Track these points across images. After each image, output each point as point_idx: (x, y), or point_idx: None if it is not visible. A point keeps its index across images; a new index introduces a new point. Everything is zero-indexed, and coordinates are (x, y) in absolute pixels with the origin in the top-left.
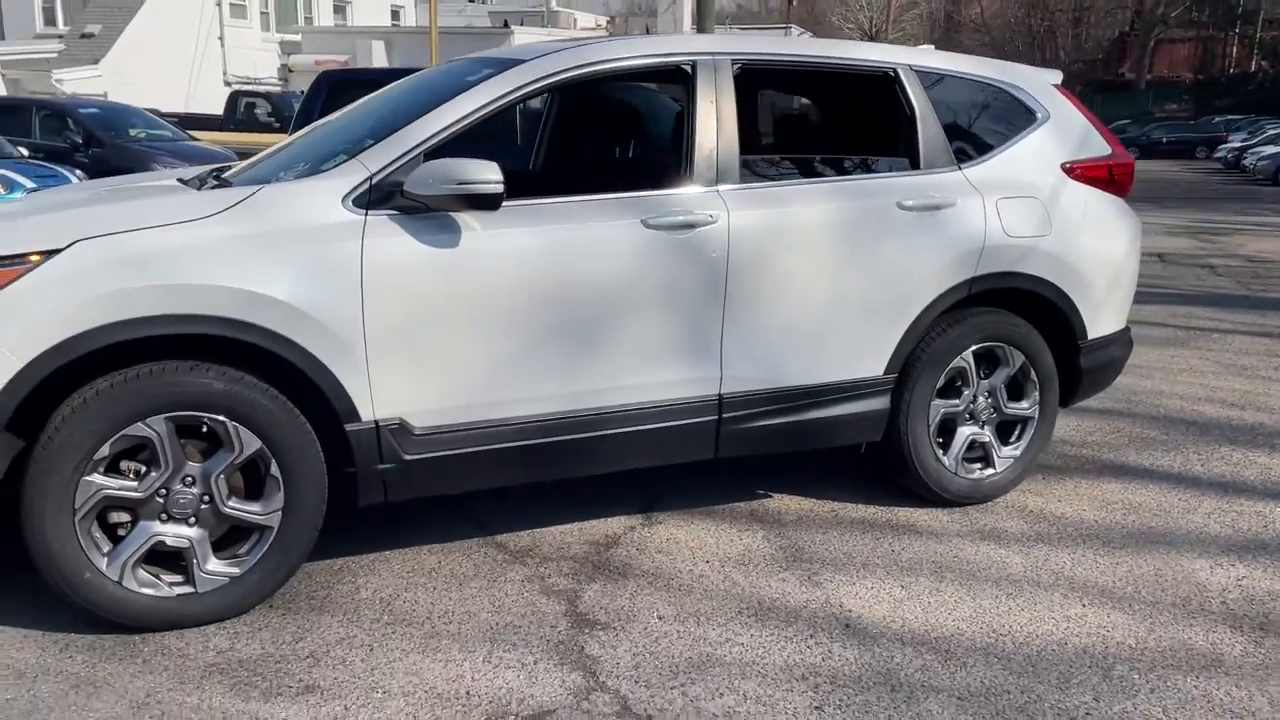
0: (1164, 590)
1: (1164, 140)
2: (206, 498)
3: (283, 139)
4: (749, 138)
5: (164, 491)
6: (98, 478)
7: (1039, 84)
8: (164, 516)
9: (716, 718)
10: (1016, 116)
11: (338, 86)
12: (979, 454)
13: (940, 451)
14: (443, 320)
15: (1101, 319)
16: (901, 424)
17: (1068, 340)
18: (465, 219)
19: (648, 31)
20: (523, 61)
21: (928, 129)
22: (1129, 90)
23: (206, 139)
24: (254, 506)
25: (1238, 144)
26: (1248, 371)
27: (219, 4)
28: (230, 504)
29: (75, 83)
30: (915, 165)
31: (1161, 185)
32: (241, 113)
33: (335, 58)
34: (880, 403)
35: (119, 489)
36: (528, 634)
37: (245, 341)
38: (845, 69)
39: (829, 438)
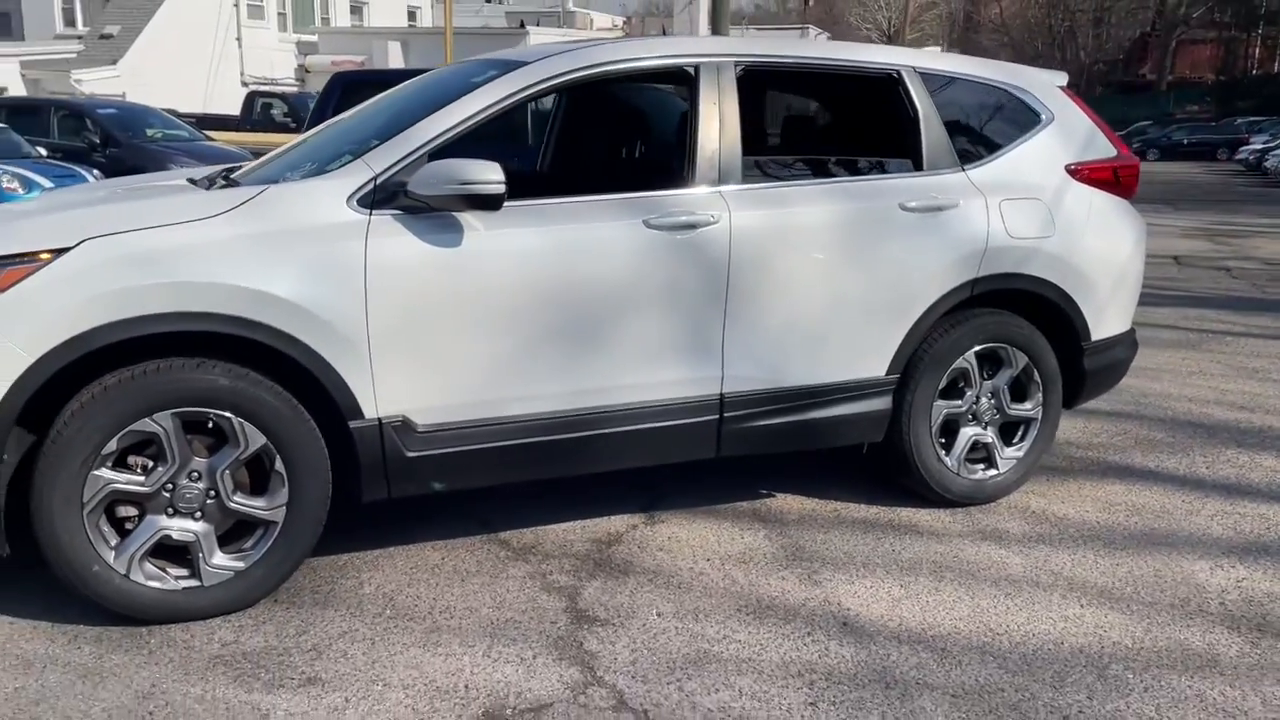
0: (1163, 591)
1: (1185, 142)
2: (212, 493)
3: (297, 139)
4: (752, 139)
5: (170, 486)
6: (106, 472)
7: (1044, 85)
8: (170, 511)
9: (712, 713)
10: (1021, 118)
11: (351, 87)
12: (982, 455)
13: (942, 452)
14: (446, 319)
15: (1105, 320)
16: (904, 424)
17: (1071, 342)
18: (468, 219)
19: (664, 32)
20: (527, 63)
21: (931, 130)
22: (1150, 91)
23: (223, 139)
24: (259, 502)
25: (1259, 146)
26: (1259, 374)
27: (236, 5)
28: (235, 499)
29: (94, 83)
30: (918, 166)
31: (1181, 187)
32: (258, 113)
33: (352, 58)
34: (882, 403)
35: (126, 483)
36: (528, 629)
37: (250, 339)
38: (849, 71)
39: (830, 438)
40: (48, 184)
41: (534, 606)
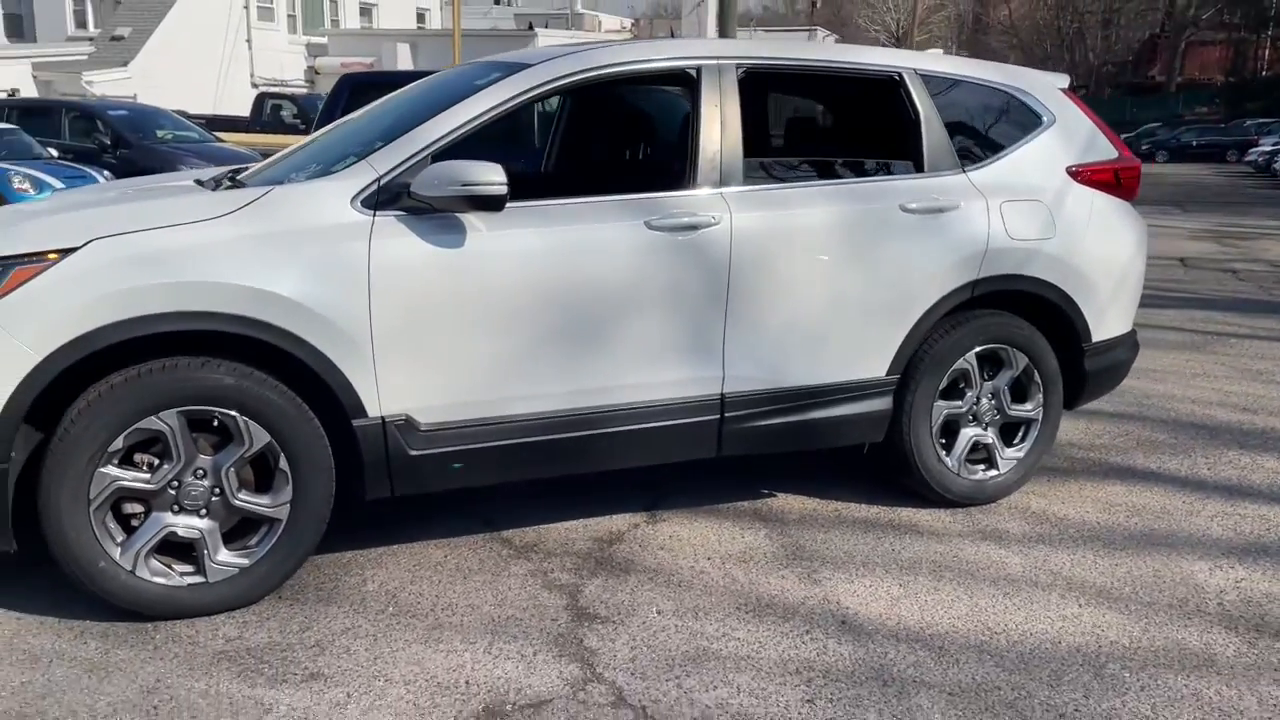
0: (1161, 591)
1: (1194, 143)
2: (217, 490)
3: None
4: (754, 141)
5: (176, 484)
6: (112, 469)
7: (1045, 87)
8: (176, 508)
9: (709, 709)
10: (1022, 120)
11: (359, 88)
12: (982, 455)
13: (943, 452)
14: (448, 319)
15: (1107, 322)
16: (904, 425)
17: (1072, 343)
18: (471, 220)
19: (672, 34)
20: (530, 66)
21: (932, 132)
22: (1159, 93)
23: (233, 140)
24: (263, 499)
25: (1269, 148)
26: (1263, 376)
27: (246, 7)
28: (240, 496)
29: (105, 84)
30: (919, 168)
31: (1189, 189)
32: (267, 114)
33: (361, 60)
34: (882, 403)
35: (132, 481)
36: (528, 626)
37: (255, 338)
38: (850, 73)
39: (831, 438)
40: (58, 185)
41: (535, 604)
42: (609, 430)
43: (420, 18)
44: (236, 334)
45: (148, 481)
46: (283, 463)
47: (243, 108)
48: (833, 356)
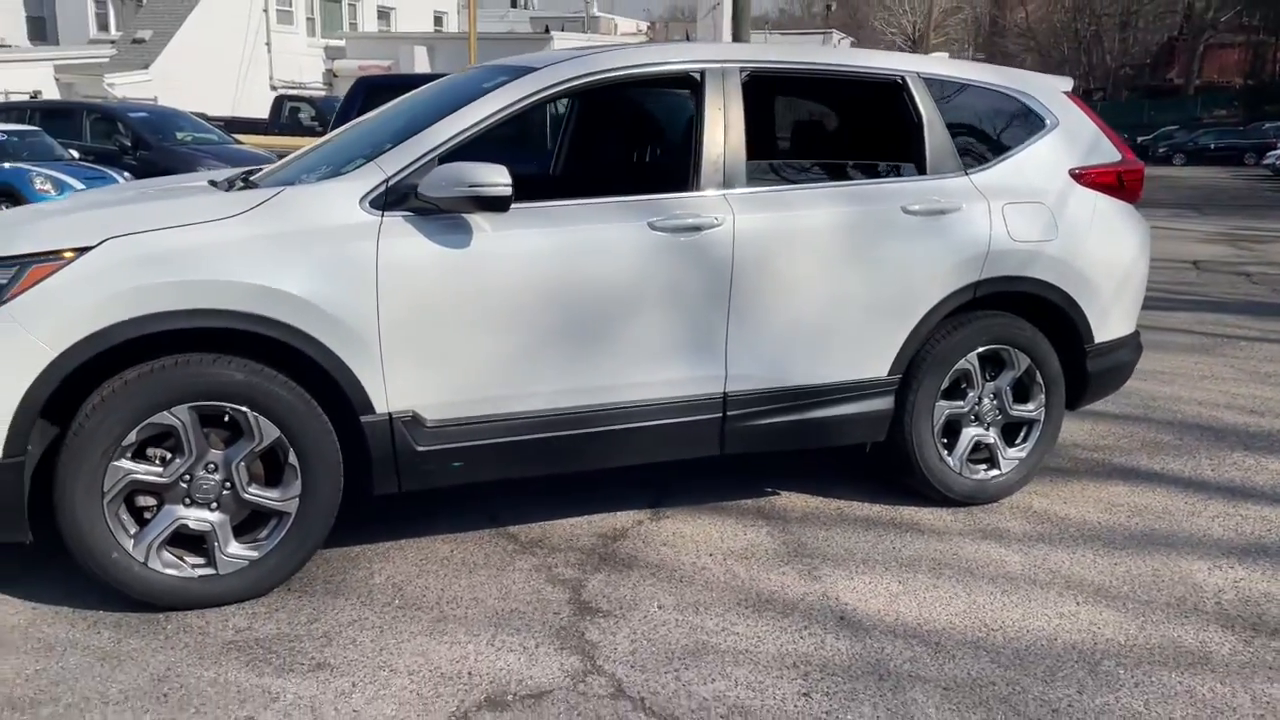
0: (1159, 590)
1: (1212, 146)
2: (228, 484)
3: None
4: (757, 143)
5: (188, 477)
6: (125, 463)
7: (1048, 91)
8: (187, 501)
9: (707, 701)
10: (1025, 123)
11: (374, 90)
12: (984, 455)
13: (945, 452)
14: (454, 317)
15: (1109, 323)
16: (906, 424)
17: (1074, 344)
18: (477, 220)
19: (687, 37)
20: (536, 69)
21: (935, 135)
22: (1177, 95)
23: (251, 142)
24: (273, 493)
25: None
26: (1271, 379)
27: (266, 10)
28: (250, 490)
29: (126, 87)
30: (922, 171)
31: (1207, 192)
32: (286, 116)
33: (379, 63)
34: (884, 403)
35: (145, 474)
36: (531, 620)
37: (265, 336)
38: (853, 77)
39: (833, 437)
40: (79, 186)
41: (539, 598)
42: (613, 428)
43: (438, 21)
44: (247, 331)
45: (160, 475)
46: (292, 458)
47: (261, 110)
48: (835, 356)
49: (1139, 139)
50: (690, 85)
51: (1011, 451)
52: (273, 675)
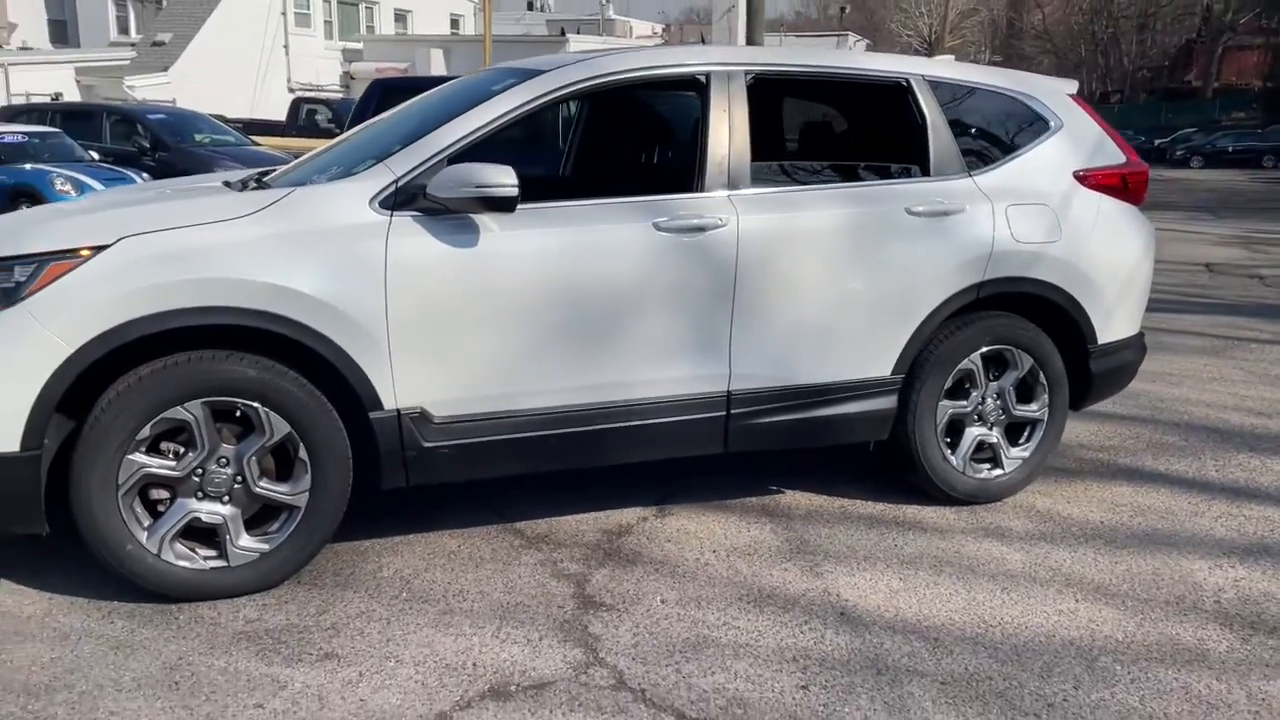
0: (1159, 588)
1: (1230, 149)
2: (239, 478)
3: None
4: (762, 145)
5: (200, 471)
6: (139, 457)
7: (1053, 93)
8: (200, 494)
9: (706, 693)
10: (1029, 125)
11: (389, 92)
12: (988, 454)
13: (948, 451)
14: (462, 315)
15: (1113, 324)
16: (909, 423)
17: (1078, 344)
18: (484, 220)
19: (702, 39)
20: (543, 72)
21: (939, 137)
22: (1195, 98)
23: (268, 144)
24: (283, 487)
25: None
26: None
27: (284, 14)
28: (261, 484)
29: (145, 89)
30: (926, 172)
31: (1223, 195)
32: (303, 118)
33: (395, 65)
34: (887, 402)
35: (159, 468)
36: (535, 613)
37: (276, 333)
38: (858, 80)
39: (836, 435)
40: (98, 186)
41: (543, 592)
42: (617, 425)
43: (454, 24)
44: (259, 328)
45: (173, 469)
46: (302, 452)
47: (279, 112)
48: (838, 356)
49: (1156, 142)
50: (696, 87)
51: (1015, 451)
52: (281, 664)
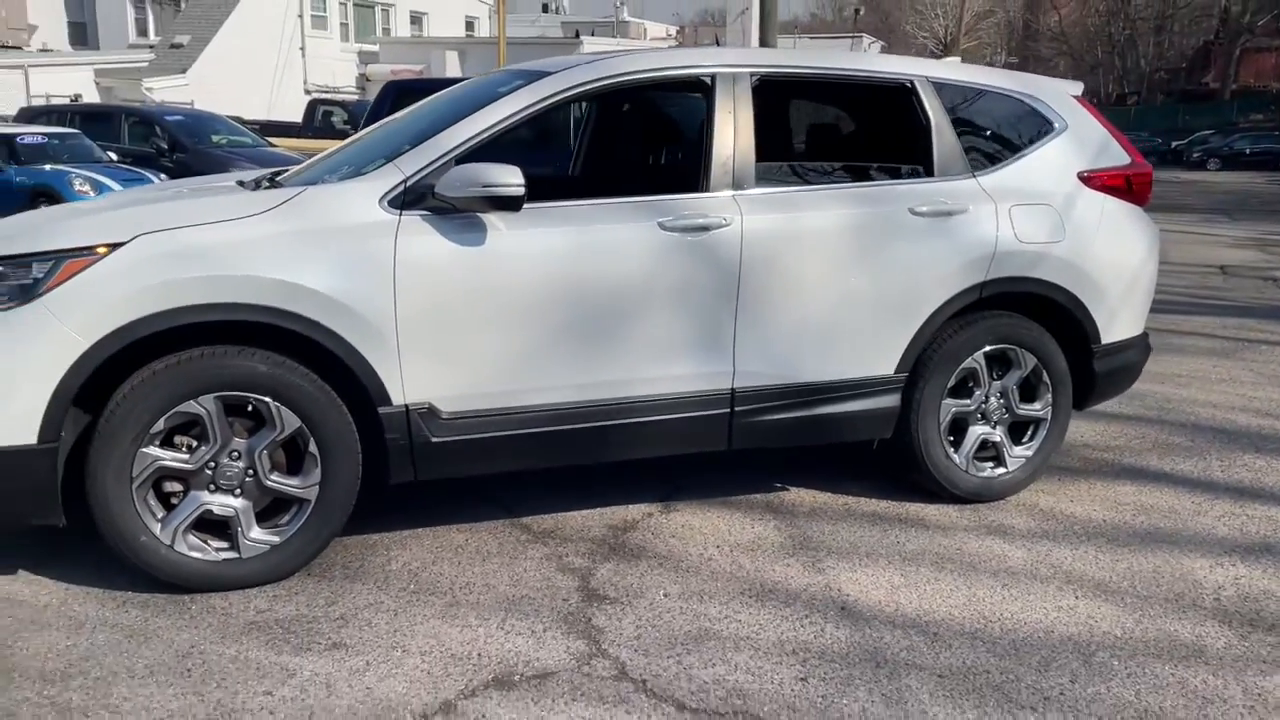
0: (1159, 586)
1: (1247, 151)
2: (250, 471)
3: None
4: (767, 146)
5: (213, 464)
6: (154, 450)
7: (1058, 95)
8: (212, 487)
9: (706, 684)
10: (1034, 126)
11: (403, 94)
12: (991, 453)
13: (951, 449)
14: (469, 313)
15: (1117, 324)
16: (913, 421)
17: (1081, 344)
18: (491, 219)
19: (717, 41)
20: (550, 74)
21: (943, 138)
22: (1213, 100)
23: (285, 145)
24: (294, 480)
25: None
26: None
27: (301, 16)
28: (272, 478)
29: (164, 91)
30: (929, 173)
31: (1240, 197)
32: (319, 120)
33: (411, 67)
34: (890, 400)
35: (172, 461)
36: (540, 605)
37: (287, 329)
38: (862, 81)
39: (839, 433)
40: (116, 187)
41: (548, 585)
42: (622, 422)
43: (469, 26)
44: (270, 324)
45: (186, 462)
46: (312, 446)
47: (295, 113)
48: (841, 354)
49: (1173, 144)
50: (701, 89)
51: (1018, 450)
52: (291, 653)
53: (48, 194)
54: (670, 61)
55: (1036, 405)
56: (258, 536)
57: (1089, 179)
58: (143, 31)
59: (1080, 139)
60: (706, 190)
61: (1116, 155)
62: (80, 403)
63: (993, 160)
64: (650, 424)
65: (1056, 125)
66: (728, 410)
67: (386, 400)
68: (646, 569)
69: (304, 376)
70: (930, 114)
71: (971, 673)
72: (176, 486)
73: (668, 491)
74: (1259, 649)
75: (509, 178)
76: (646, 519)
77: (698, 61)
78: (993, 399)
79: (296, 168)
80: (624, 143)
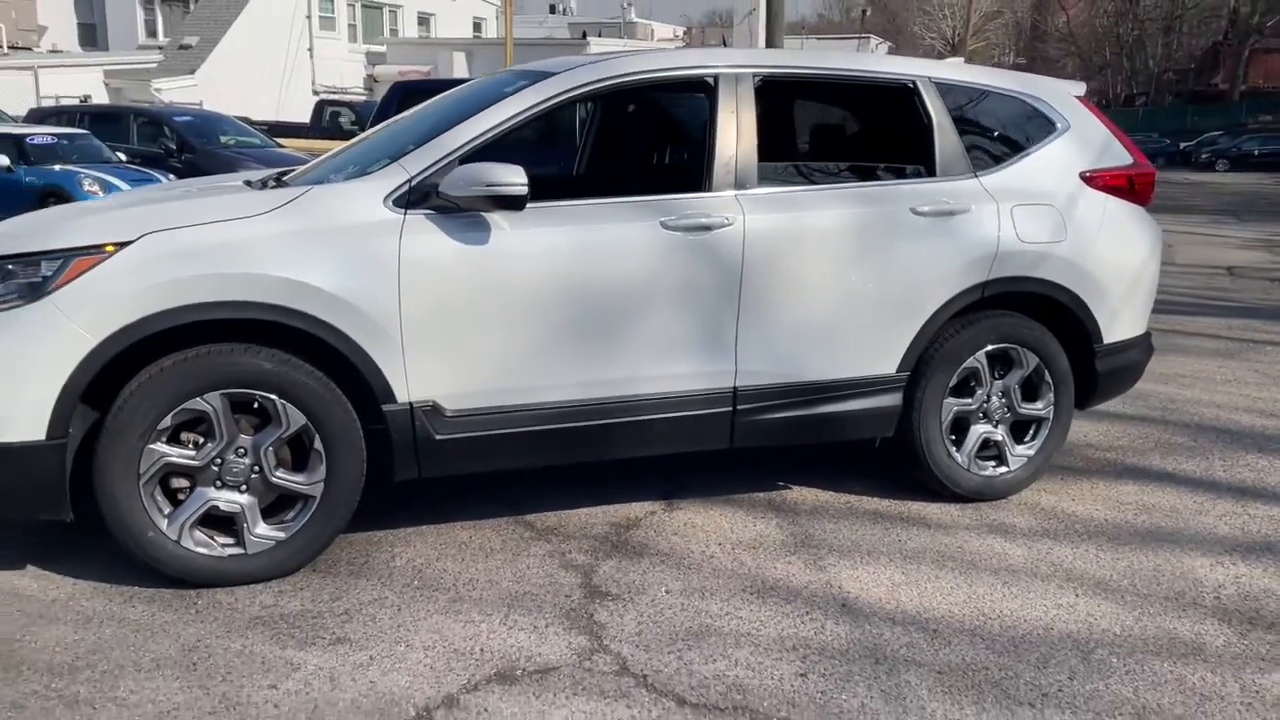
0: (1159, 584)
1: (1256, 152)
2: (256, 468)
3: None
4: (769, 146)
5: (219, 461)
6: (160, 446)
7: (1060, 95)
8: (218, 483)
9: (707, 680)
10: (1036, 127)
11: (409, 94)
12: (993, 452)
13: (953, 448)
14: (473, 311)
15: (1119, 324)
16: (914, 420)
17: (1083, 344)
18: (495, 218)
19: (724, 42)
20: (554, 74)
21: (945, 138)
22: (1222, 101)
23: (293, 145)
24: (299, 477)
25: None
26: None
27: (309, 17)
28: (278, 474)
29: (172, 91)
30: (931, 173)
31: (1248, 199)
32: (327, 121)
33: (418, 68)
34: (892, 399)
35: (179, 457)
36: (543, 602)
37: (293, 327)
38: (864, 81)
39: (841, 431)
40: (125, 187)
41: (551, 581)
42: (624, 420)
43: (476, 27)
44: (276, 322)
45: (193, 458)
46: (317, 443)
47: (303, 114)
48: (843, 353)
49: (1182, 145)
50: (704, 89)
51: (1020, 449)
52: (295, 648)
53: (57, 194)
54: (673, 62)
55: (1038, 404)
56: (263, 532)
57: (1091, 179)
58: (152, 33)
59: (1082, 139)
60: (709, 190)
61: (1118, 155)
62: (88, 399)
63: (995, 160)
64: (653, 422)
65: (1058, 125)
66: (730, 409)
67: (391, 398)
68: (648, 566)
69: (309, 374)
70: (932, 114)
71: (970, 669)
72: (183, 483)
73: (670, 489)
74: (1258, 647)
75: (512, 177)
76: (649, 516)
77: (700, 62)
78: (995, 398)
79: (303, 167)
80: (627, 142)
